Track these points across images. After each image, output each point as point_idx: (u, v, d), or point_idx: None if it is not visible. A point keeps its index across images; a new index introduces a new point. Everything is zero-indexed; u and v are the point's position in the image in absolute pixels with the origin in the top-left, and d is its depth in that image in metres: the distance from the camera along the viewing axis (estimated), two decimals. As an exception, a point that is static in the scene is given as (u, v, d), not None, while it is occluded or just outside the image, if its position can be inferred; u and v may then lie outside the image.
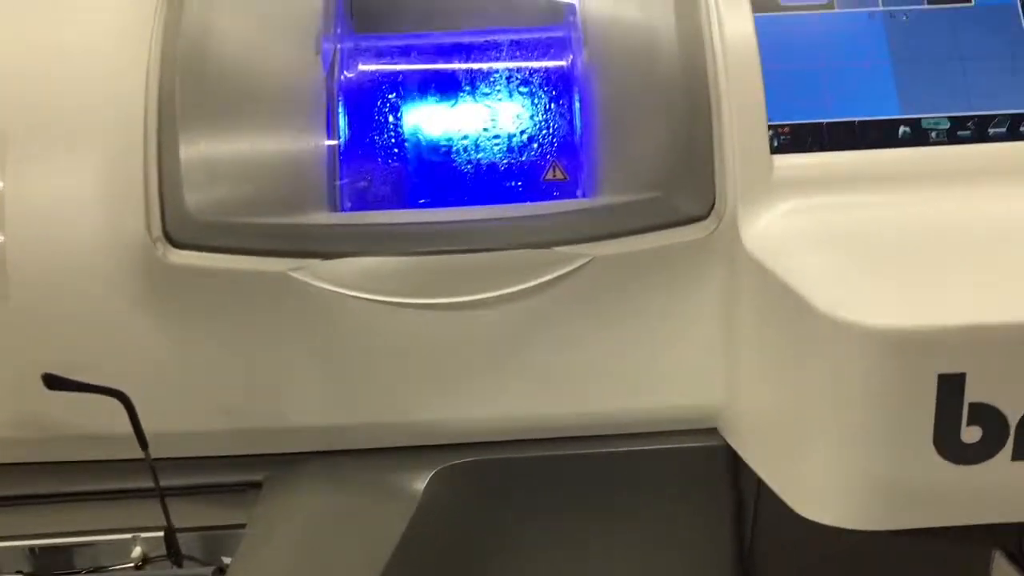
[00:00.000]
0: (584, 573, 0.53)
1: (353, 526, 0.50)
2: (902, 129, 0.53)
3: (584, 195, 0.53)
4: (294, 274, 0.51)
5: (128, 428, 0.51)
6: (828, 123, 0.52)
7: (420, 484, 0.52)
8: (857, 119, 0.52)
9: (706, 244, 0.51)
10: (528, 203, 0.52)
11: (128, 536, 0.51)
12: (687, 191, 0.51)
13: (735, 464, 0.54)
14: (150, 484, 0.52)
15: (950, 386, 0.42)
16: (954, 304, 0.43)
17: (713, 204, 0.51)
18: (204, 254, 0.51)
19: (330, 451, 0.53)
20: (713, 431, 0.54)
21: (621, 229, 0.51)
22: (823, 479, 0.46)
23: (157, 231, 0.51)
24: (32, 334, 0.51)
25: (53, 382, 0.45)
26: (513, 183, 0.53)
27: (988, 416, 0.43)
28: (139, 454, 0.53)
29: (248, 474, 0.53)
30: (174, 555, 0.50)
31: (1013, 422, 0.44)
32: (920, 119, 0.53)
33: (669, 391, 0.53)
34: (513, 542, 0.54)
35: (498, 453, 0.53)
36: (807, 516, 0.46)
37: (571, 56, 0.54)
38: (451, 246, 0.51)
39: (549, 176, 0.53)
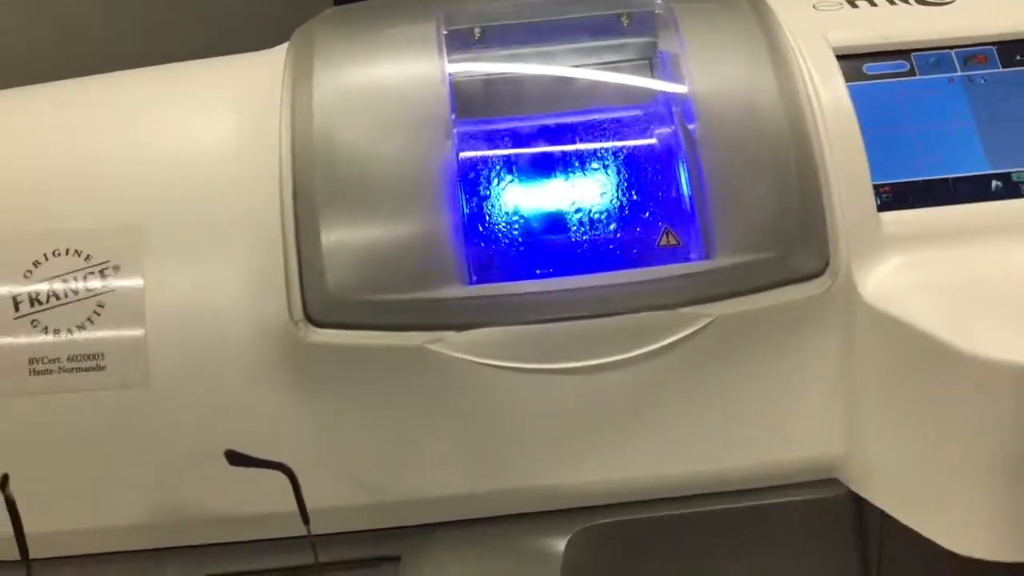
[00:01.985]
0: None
1: None
2: (994, 183, 0.56)
3: (698, 259, 0.55)
4: (430, 346, 0.53)
5: (265, 508, 0.53)
6: (925, 181, 0.56)
7: (559, 547, 0.53)
8: (951, 176, 0.56)
9: (823, 300, 0.53)
10: (647, 267, 0.54)
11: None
12: (802, 248, 0.53)
13: (858, 510, 0.55)
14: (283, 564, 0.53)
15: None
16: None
17: (828, 260, 0.53)
18: (344, 332, 0.52)
19: (466, 520, 0.54)
20: (834, 481, 0.56)
21: (741, 288, 0.53)
22: (973, 514, 0.47)
23: (299, 313, 0.52)
24: (176, 422, 0.53)
25: (234, 458, 0.46)
26: (628, 251, 0.56)
27: None
28: (276, 533, 0.54)
29: (384, 549, 0.54)
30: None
31: None
32: (1010, 173, 0.56)
33: (792, 445, 0.55)
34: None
35: (630, 514, 0.55)
36: (958, 551, 0.48)
37: (673, 127, 0.57)
38: (578, 312, 0.53)
39: (663, 242, 0.56)
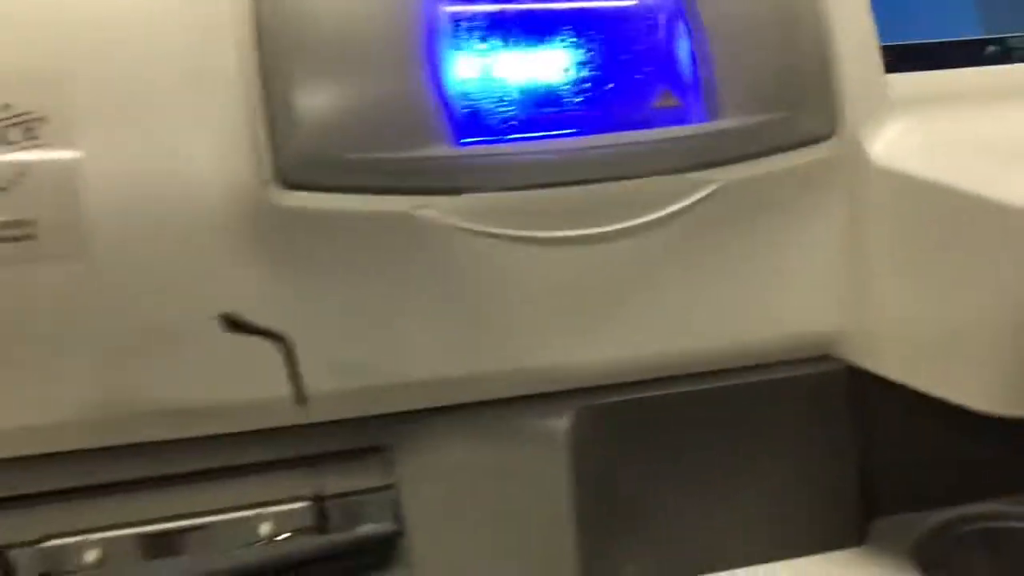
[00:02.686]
0: (725, 497, 0.52)
1: (518, 476, 0.46)
2: (989, 48, 0.54)
3: (699, 121, 0.51)
4: (418, 212, 0.47)
5: (231, 395, 0.46)
6: (925, 44, 0.54)
7: (562, 428, 0.49)
8: (951, 39, 0.54)
9: (831, 164, 0.51)
10: (650, 130, 0.50)
11: (251, 513, 0.46)
12: (810, 109, 0.51)
13: (853, 384, 0.54)
14: (263, 458, 0.47)
15: None
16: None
17: (835, 122, 0.51)
18: (321, 195, 0.46)
19: (459, 405, 0.50)
20: (826, 358, 0.54)
21: (747, 152, 0.50)
22: (994, 369, 0.46)
23: (268, 174, 0.46)
24: (123, 300, 0.46)
25: (231, 323, 0.39)
26: (624, 113, 0.52)
27: None
28: (244, 425, 0.48)
29: (372, 438, 0.49)
30: (322, 523, 0.45)
31: None
32: (1005, 38, 0.55)
33: (795, 318, 0.52)
34: (651, 480, 0.52)
35: (631, 393, 0.51)
36: (977, 407, 0.47)
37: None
38: (577, 177, 0.49)
39: (660, 104, 0.52)
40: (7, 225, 0.45)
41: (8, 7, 0.47)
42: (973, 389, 0.47)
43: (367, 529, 0.46)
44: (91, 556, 0.44)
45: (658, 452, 0.52)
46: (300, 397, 0.43)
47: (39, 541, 0.44)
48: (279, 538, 0.45)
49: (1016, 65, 0.54)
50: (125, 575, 0.44)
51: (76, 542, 0.44)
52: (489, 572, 0.48)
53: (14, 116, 0.45)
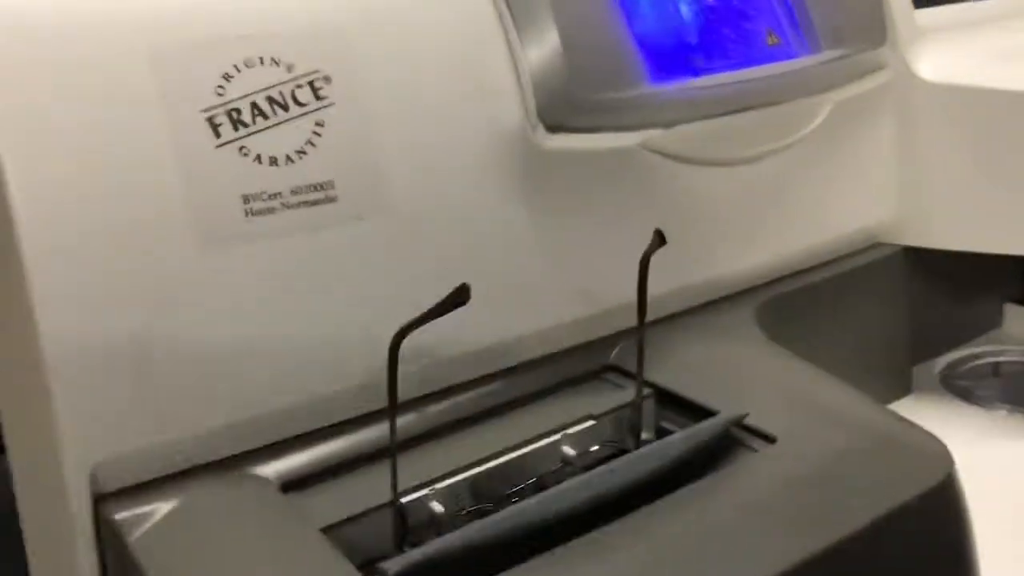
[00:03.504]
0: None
1: (756, 365, 0.53)
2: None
3: (799, 55, 0.61)
4: (645, 147, 0.52)
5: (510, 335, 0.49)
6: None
7: (752, 321, 0.57)
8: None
9: (891, 83, 0.63)
10: (777, 62, 0.59)
11: (554, 438, 0.48)
12: (878, 41, 0.62)
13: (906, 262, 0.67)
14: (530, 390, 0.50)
15: None
16: None
17: (893, 50, 0.63)
18: (576, 135, 0.50)
19: (665, 317, 0.55)
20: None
21: (849, 77, 0.61)
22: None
23: (535, 118, 0.49)
24: (413, 251, 0.46)
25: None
26: (750, 50, 0.60)
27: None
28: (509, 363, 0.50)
29: (600, 359, 0.53)
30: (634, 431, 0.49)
31: None
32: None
33: (868, 211, 0.64)
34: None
35: (779, 288, 0.60)
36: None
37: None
38: (750, 103, 0.57)
39: (771, 41, 0.61)
40: (306, 189, 0.44)
41: None
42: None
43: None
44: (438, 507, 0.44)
45: (790, 330, 0.60)
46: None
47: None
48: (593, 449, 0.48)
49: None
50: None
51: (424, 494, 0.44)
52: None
53: (300, 76, 0.44)
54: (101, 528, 0.42)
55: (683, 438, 0.45)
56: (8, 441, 0.47)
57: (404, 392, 0.46)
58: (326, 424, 0.45)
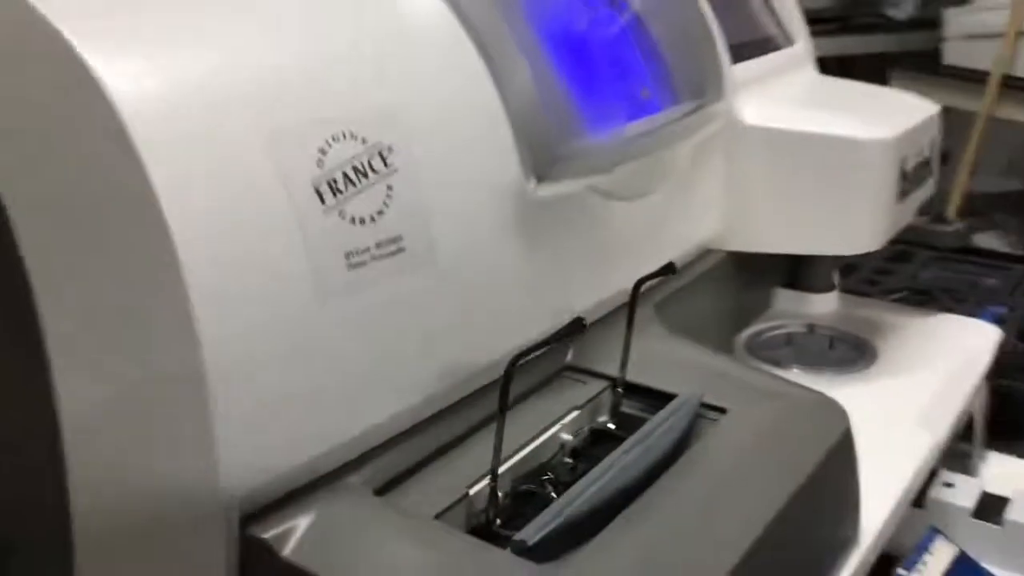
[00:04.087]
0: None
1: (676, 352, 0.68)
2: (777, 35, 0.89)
3: (666, 107, 0.77)
4: (592, 188, 0.66)
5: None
6: (749, 40, 0.86)
7: (656, 321, 0.72)
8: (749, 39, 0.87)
9: (725, 127, 0.81)
10: (659, 114, 0.74)
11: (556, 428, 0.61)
12: (720, 91, 0.79)
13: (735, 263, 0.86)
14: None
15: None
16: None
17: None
18: (557, 184, 0.62)
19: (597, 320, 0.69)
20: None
21: (703, 124, 0.77)
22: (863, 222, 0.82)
23: (529, 173, 0.60)
24: (453, 291, 0.56)
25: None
26: (634, 105, 0.74)
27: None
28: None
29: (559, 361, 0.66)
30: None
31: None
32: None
33: (711, 226, 0.82)
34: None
35: (665, 291, 0.76)
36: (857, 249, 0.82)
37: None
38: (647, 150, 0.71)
39: (644, 95, 0.76)
40: (386, 243, 0.53)
41: (347, 53, 0.53)
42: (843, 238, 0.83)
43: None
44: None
45: (671, 322, 0.77)
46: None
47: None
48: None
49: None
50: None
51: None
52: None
53: (372, 147, 0.52)
54: (242, 547, 0.48)
55: (684, 416, 0.59)
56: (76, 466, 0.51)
57: (430, 405, 0.56)
58: (395, 434, 0.55)
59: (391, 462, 0.54)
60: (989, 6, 1.82)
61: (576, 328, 0.50)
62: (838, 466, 0.60)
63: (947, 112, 0.94)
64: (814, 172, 0.82)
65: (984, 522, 0.80)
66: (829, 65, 1.01)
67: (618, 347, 0.67)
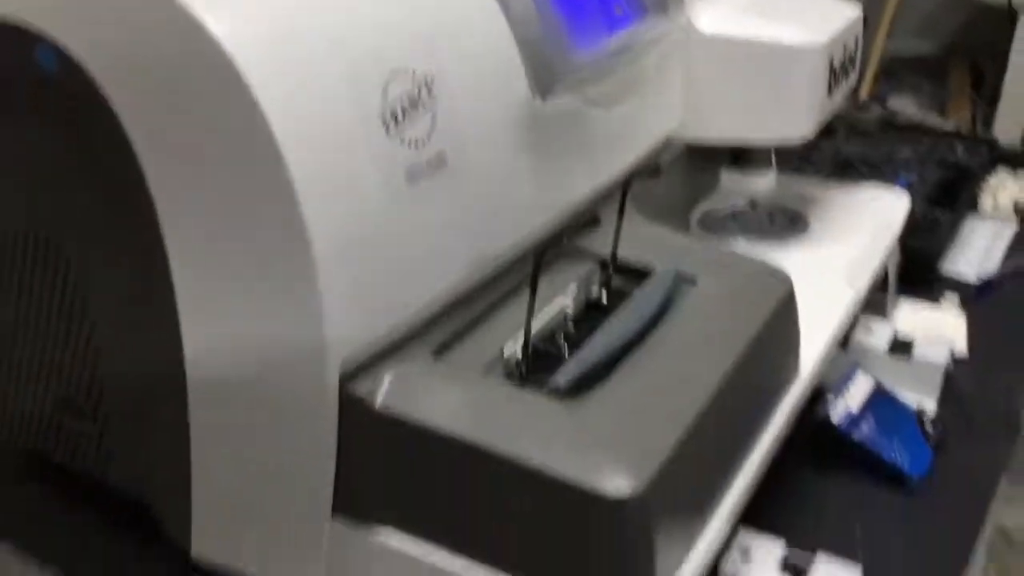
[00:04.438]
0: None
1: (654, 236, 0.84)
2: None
3: (635, 19, 0.89)
4: (582, 100, 0.79)
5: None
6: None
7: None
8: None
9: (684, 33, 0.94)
10: (633, 28, 0.87)
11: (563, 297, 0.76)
12: (680, 7, 0.92)
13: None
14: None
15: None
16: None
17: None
18: (556, 99, 0.75)
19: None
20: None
21: (665, 34, 0.91)
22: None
23: (535, 90, 0.74)
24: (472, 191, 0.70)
25: None
26: (611, 19, 0.87)
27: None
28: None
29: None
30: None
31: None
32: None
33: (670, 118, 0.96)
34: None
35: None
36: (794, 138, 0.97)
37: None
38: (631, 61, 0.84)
39: (618, 12, 0.88)
40: (434, 159, 0.66)
41: None
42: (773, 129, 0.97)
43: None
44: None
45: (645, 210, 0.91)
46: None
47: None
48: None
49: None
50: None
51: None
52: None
53: (420, 78, 0.65)
54: (342, 402, 0.63)
55: (662, 287, 0.75)
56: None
57: (466, 281, 0.71)
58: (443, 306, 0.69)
59: (441, 329, 0.69)
60: None
61: (591, 222, 0.65)
62: (784, 319, 0.76)
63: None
64: (758, 73, 0.96)
65: (896, 358, 0.99)
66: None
67: (603, 231, 0.82)
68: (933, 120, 2.10)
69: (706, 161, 1.08)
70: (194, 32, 0.56)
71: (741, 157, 1.13)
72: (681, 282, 0.77)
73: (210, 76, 0.57)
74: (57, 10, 0.61)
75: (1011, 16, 2.04)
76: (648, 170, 0.74)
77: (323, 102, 0.60)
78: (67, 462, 0.77)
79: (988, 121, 2.10)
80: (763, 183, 1.13)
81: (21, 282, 0.73)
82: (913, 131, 1.52)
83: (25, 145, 0.68)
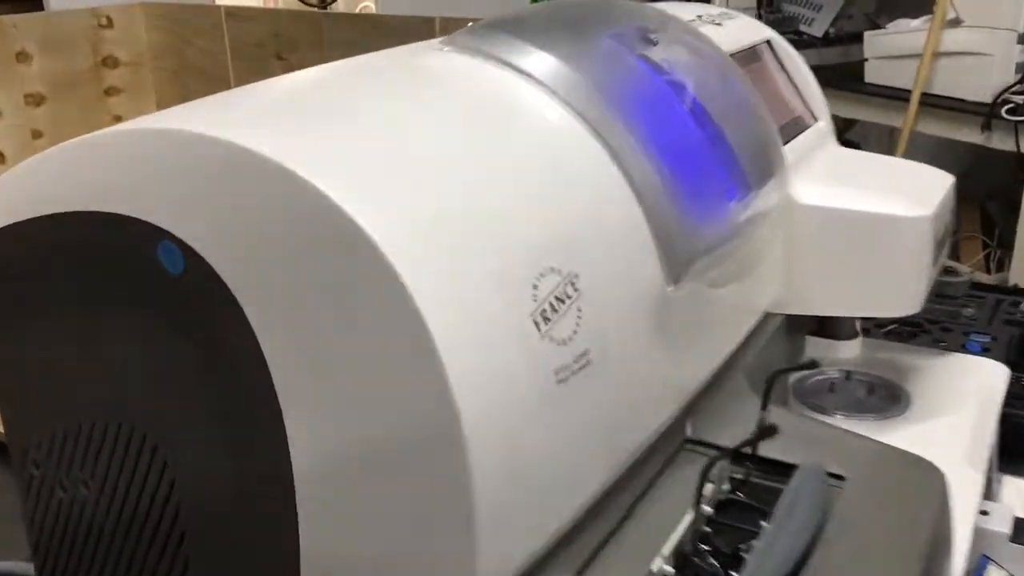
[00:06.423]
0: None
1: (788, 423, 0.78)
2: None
3: (739, 196, 0.86)
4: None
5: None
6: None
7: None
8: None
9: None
10: (745, 202, 0.83)
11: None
12: (784, 181, 0.89)
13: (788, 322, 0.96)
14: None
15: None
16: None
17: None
18: (683, 284, 0.71)
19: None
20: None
21: (770, 207, 0.87)
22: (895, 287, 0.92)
23: (668, 279, 0.69)
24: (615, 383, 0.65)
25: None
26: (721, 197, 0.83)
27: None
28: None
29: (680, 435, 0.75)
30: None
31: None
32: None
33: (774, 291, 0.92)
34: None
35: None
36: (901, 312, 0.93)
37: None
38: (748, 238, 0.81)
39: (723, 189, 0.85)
40: (579, 357, 0.60)
41: (527, 188, 0.60)
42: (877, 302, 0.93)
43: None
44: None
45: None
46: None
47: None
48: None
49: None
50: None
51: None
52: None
53: (565, 276, 0.60)
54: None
55: (814, 487, 0.68)
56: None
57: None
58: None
59: (580, 540, 0.62)
60: (903, 30, 2.00)
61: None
62: (943, 519, 0.70)
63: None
64: (862, 245, 0.92)
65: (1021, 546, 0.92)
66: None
67: (726, 416, 0.76)
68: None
69: (793, 328, 1.04)
70: (352, 235, 0.51)
71: (825, 322, 1.09)
72: (828, 478, 0.71)
73: (371, 284, 0.52)
74: (183, 208, 0.56)
75: (1019, 160, 2.06)
76: (802, 364, 0.70)
77: (476, 301, 0.54)
78: None
79: (1001, 264, 2.10)
80: (849, 350, 1.08)
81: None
82: (974, 287, 1.48)
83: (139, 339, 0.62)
